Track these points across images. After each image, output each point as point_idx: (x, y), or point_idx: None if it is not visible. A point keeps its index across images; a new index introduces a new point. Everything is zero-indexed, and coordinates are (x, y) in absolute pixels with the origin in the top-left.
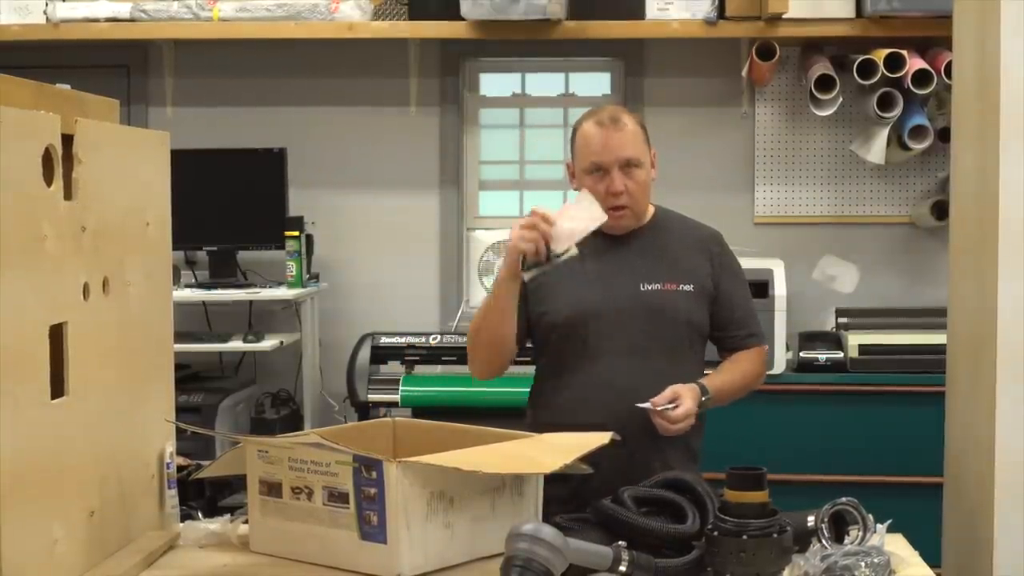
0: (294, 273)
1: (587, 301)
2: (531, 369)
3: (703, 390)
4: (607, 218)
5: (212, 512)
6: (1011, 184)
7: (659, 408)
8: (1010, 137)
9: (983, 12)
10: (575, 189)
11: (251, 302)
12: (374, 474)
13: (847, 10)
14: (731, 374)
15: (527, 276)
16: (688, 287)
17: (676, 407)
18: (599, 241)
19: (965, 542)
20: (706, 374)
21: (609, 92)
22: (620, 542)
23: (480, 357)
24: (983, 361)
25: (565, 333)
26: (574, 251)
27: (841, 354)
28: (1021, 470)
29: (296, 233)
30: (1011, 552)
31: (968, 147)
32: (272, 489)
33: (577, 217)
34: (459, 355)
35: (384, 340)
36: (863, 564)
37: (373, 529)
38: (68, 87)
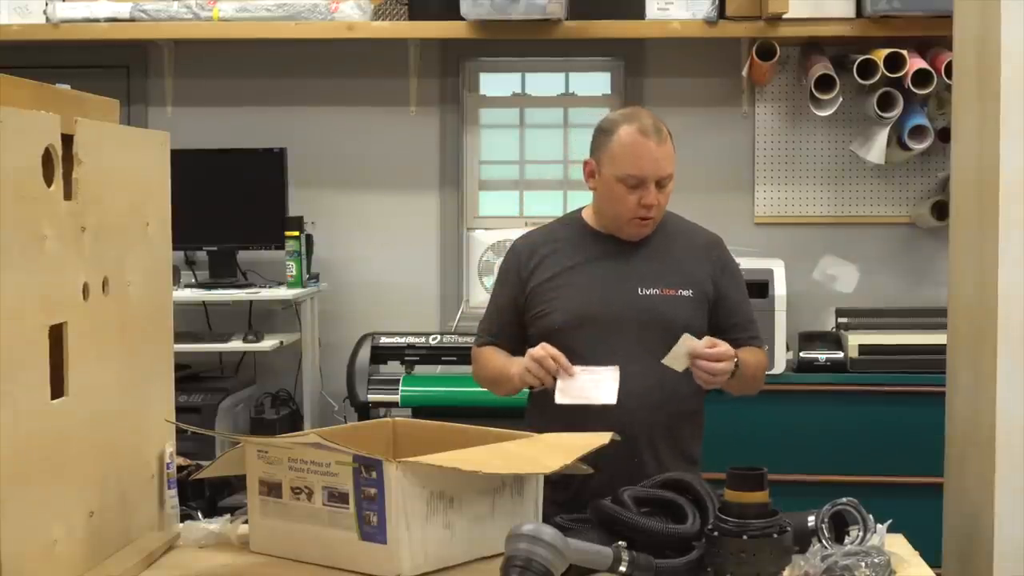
0: (294, 273)
1: (585, 305)
2: None
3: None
4: (614, 403)
5: (212, 512)
6: (1012, 184)
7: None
8: (1010, 136)
9: (983, 12)
10: (592, 188)
11: (251, 302)
12: (374, 474)
13: (847, 10)
14: (748, 358)
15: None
16: (687, 292)
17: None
18: (599, 244)
19: (965, 542)
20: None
21: (609, 92)
22: (620, 542)
23: (489, 389)
24: (984, 357)
25: (563, 336)
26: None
27: (841, 354)
28: (1021, 470)
29: (296, 233)
30: (1011, 552)
31: (969, 147)
32: (272, 489)
33: (593, 378)
34: (459, 355)
35: (384, 340)
36: (863, 564)
37: (373, 529)
38: (68, 87)
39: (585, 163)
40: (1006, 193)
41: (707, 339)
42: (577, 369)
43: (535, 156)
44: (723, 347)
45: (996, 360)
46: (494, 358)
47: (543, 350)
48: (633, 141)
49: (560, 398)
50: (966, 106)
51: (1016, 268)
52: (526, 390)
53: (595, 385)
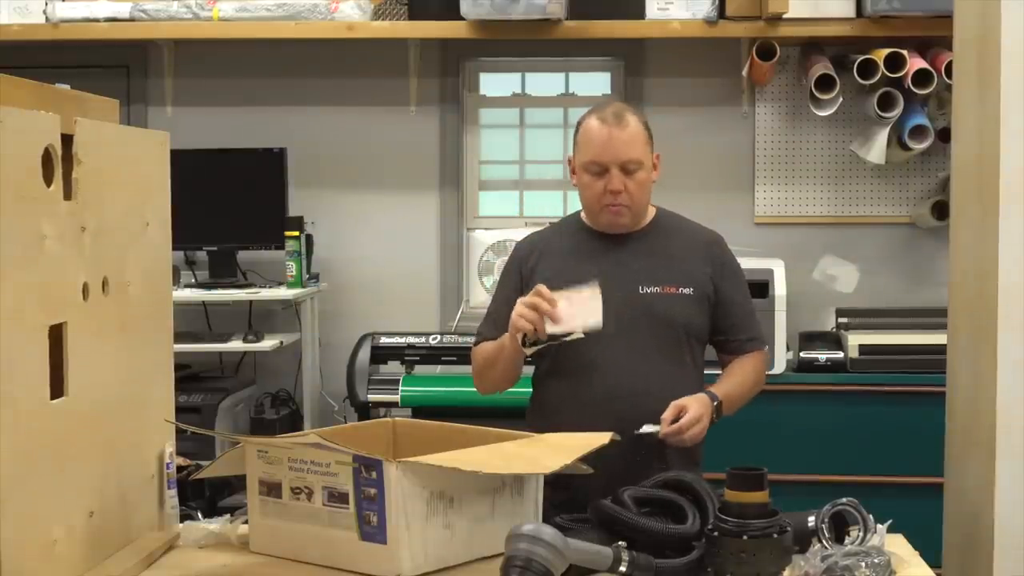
0: (294, 273)
1: None
2: (531, 370)
3: (711, 396)
4: (600, 326)
5: (212, 512)
6: (1012, 184)
7: (663, 426)
8: (1010, 136)
9: (983, 12)
10: (574, 184)
11: (251, 302)
12: (374, 474)
13: (847, 10)
14: (736, 380)
15: (529, 352)
16: (687, 290)
17: (681, 416)
18: (598, 243)
19: (965, 542)
20: (708, 387)
21: (609, 92)
22: (620, 542)
23: (488, 384)
24: (984, 356)
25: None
26: (578, 334)
27: (841, 354)
28: (1021, 470)
29: (296, 233)
30: (1011, 552)
31: (969, 147)
32: (272, 489)
33: (577, 305)
34: (459, 355)
35: (384, 340)
36: (863, 564)
37: (373, 529)
38: (68, 87)
39: (568, 160)
40: (1006, 193)
41: (671, 408)
42: (559, 294)
43: (535, 156)
44: (687, 417)
45: (996, 360)
46: (490, 344)
47: (530, 297)
48: (592, 128)
49: (550, 328)
50: (966, 106)
51: (1016, 268)
52: (528, 390)
53: (581, 312)
